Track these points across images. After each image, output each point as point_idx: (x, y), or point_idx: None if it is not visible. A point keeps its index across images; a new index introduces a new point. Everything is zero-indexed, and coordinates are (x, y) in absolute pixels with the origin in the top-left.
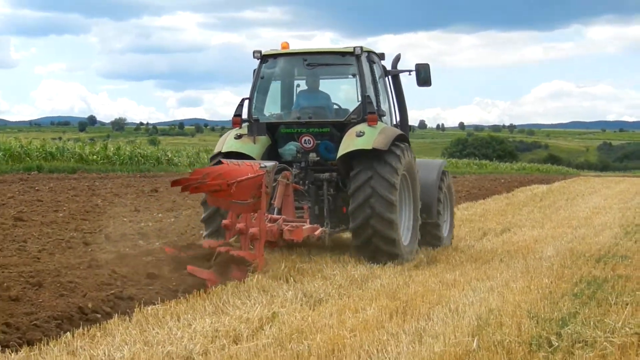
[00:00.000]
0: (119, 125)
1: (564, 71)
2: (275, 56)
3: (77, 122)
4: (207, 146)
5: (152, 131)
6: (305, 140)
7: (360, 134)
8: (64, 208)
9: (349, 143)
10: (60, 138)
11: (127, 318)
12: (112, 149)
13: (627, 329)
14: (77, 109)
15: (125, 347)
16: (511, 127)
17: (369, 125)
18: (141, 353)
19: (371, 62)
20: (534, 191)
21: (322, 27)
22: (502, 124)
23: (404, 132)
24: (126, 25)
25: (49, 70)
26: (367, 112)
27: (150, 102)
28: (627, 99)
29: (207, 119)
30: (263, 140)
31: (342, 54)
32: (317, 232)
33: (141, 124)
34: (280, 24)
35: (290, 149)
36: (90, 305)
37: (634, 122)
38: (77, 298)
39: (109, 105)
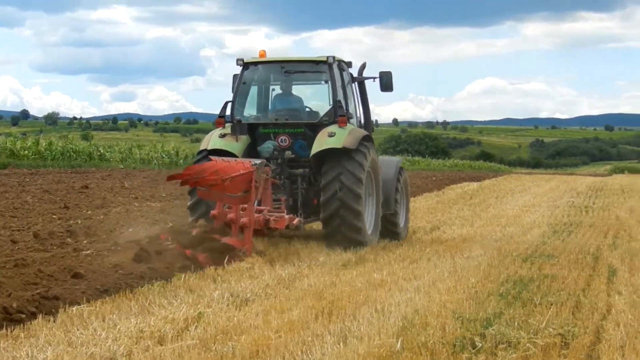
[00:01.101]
0: (52, 119)
1: (498, 68)
2: (255, 64)
3: (9, 116)
4: (140, 141)
5: (86, 126)
6: (281, 139)
7: (331, 135)
8: None
9: (322, 142)
10: None
11: (52, 318)
12: (44, 144)
13: (551, 330)
14: (9, 103)
15: (49, 348)
16: (444, 124)
17: (340, 127)
18: (65, 354)
19: (341, 70)
20: (464, 189)
21: (258, 22)
22: (435, 121)
23: (369, 133)
24: (61, 18)
25: None
26: (338, 115)
27: (84, 97)
28: (559, 96)
29: (140, 113)
30: (244, 139)
31: (316, 62)
32: (294, 222)
33: (74, 118)
34: (216, 19)
35: (267, 147)
36: (14, 305)
37: (565, 119)
38: (2, 298)
39: (43, 99)
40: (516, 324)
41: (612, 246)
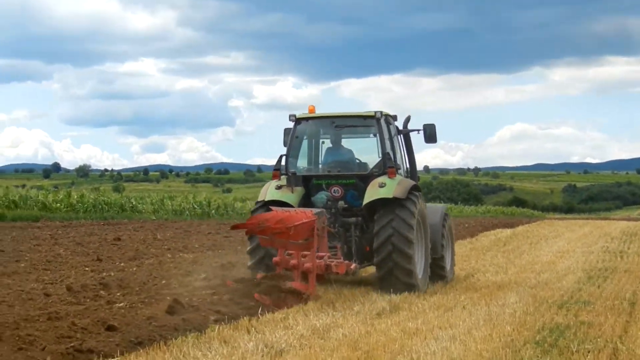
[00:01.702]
0: (83, 172)
1: (527, 113)
2: (307, 119)
3: (41, 169)
4: (171, 192)
5: (117, 177)
6: (334, 190)
7: (382, 185)
8: (26, 258)
9: (373, 192)
10: (24, 186)
11: None
12: (75, 196)
13: None
14: (40, 156)
15: None
16: (476, 170)
17: (389, 178)
18: None
19: (388, 124)
20: (497, 235)
21: (285, 71)
22: (466, 167)
23: (416, 182)
24: (88, 71)
25: (12, 117)
26: (387, 166)
27: (114, 149)
28: (589, 140)
29: (171, 164)
30: (299, 190)
31: (365, 117)
32: (352, 267)
33: (105, 170)
34: (242, 69)
35: (321, 197)
36: (49, 359)
37: (597, 164)
38: (36, 352)
39: (73, 152)
40: None
41: None
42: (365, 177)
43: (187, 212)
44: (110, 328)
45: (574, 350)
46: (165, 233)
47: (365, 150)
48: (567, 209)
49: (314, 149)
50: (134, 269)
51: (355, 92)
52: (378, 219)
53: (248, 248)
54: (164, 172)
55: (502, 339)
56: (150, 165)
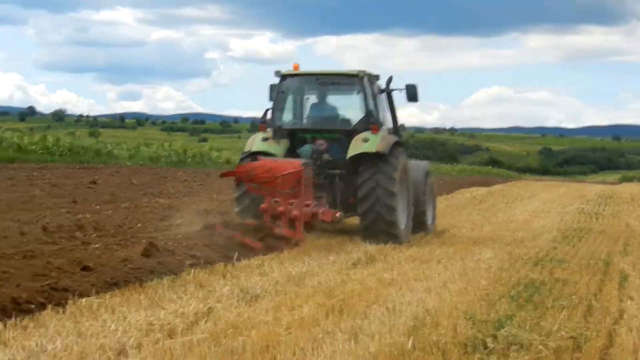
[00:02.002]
0: (59, 116)
1: (503, 77)
2: (292, 75)
3: (16, 112)
4: (147, 140)
5: (93, 123)
6: (319, 143)
7: (365, 140)
8: (1, 198)
9: (357, 147)
10: None
11: (61, 310)
12: (51, 140)
13: (563, 333)
14: (15, 99)
15: (58, 338)
16: (452, 130)
17: (372, 133)
18: (74, 345)
19: (371, 82)
20: (473, 193)
21: (262, 26)
22: (443, 127)
23: (398, 139)
24: (64, 18)
25: None
26: (371, 122)
27: (89, 95)
28: (565, 106)
29: (147, 112)
30: (284, 142)
31: (348, 75)
32: (337, 215)
33: (81, 116)
34: (219, 22)
35: (306, 150)
36: (23, 295)
37: (573, 129)
38: (11, 288)
39: (49, 96)
40: (528, 326)
41: (623, 252)
42: (349, 132)
43: (163, 159)
44: (86, 268)
45: (549, 306)
46: (141, 178)
47: (348, 107)
48: (543, 171)
49: (299, 104)
50: (110, 211)
51: (332, 50)
52: (362, 172)
53: (235, 195)
54: (140, 120)
55: (477, 293)
56: (126, 113)
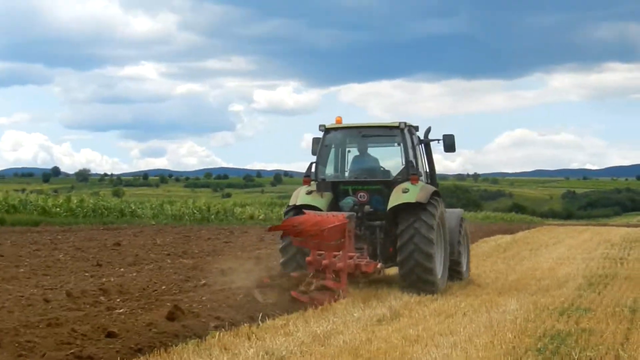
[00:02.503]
0: (83, 176)
1: (527, 120)
2: (335, 129)
3: (41, 174)
4: (170, 197)
5: (117, 182)
6: (360, 195)
7: (405, 191)
8: (25, 263)
9: (398, 197)
10: (24, 190)
11: None
12: (75, 201)
13: None
14: (39, 160)
15: None
16: (475, 176)
17: (412, 184)
18: None
19: (410, 133)
20: (497, 241)
21: (286, 76)
22: (466, 173)
23: (436, 189)
24: (89, 75)
25: (12, 121)
26: (410, 173)
27: (114, 153)
28: (589, 147)
29: (170, 169)
30: (327, 195)
31: (390, 127)
32: (378, 266)
33: (105, 174)
34: (243, 74)
35: (348, 202)
36: None
37: (597, 170)
38: (36, 358)
39: (73, 155)
40: None
41: None
42: (389, 183)
43: (187, 217)
44: (110, 334)
45: (576, 357)
46: (165, 238)
47: (388, 158)
48: (566, 215)
49: (341, 157)
50: (134, 274)
51: (356, 97)
52: (401, 221)
53: (279, 247)
54: (164, 177)
55: (504, 346)
56: (149, 170)
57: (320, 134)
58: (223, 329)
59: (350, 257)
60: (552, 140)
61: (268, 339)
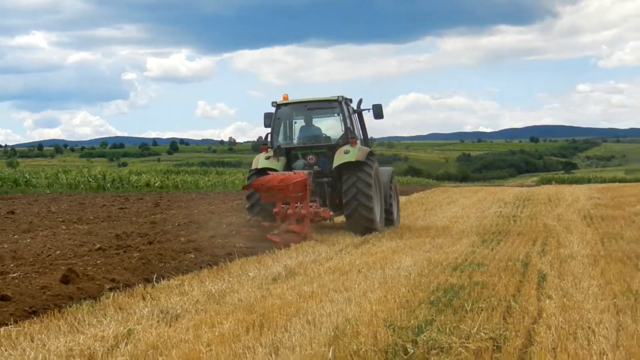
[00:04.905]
0: None
1: (421, 84)
2: (285, 104)
3: None
4: (66, 167)
5: (11, 153)
6: (309, 157)
7: (346, 152)
8: None
9: (340, 157)
10: None
11: None
12: None
13: (482, 334)
14: None
15: None
16: (371, 140)
17: (351, 146)
18: None
19: (347, 105)
20: None
21: (179, 43)
22: None
23: (371, 149)
24: None
25: None
26: (349, 137)
27: (6, 124)
28: (482, 110)
29: (65, 139)
30: (282, 159)
31: (330, 101)
32: (331, 214)
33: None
34: (136, 42)
35: (299, 164)
36: None
37: (490, 133)
38: None
39: None
40: (448, 329)
41: (541, 253)
42: (332, 147)
43: (82, 185)
44: (4, 298)
45: (468, 309)
46: (60, 206)
47: (330, 126)
48: (462, 178)
49: (289, 127)
50: (28, 240)
51: (249, 64)
52: (345, 180)
53: (247, 205)
54: (59, 147)
55: (397, 300)
56: (44, 140)
57: (272, 109)
58: (118, 290)
59: (310, 207)
60: (445, 104)
61: (163, 298)
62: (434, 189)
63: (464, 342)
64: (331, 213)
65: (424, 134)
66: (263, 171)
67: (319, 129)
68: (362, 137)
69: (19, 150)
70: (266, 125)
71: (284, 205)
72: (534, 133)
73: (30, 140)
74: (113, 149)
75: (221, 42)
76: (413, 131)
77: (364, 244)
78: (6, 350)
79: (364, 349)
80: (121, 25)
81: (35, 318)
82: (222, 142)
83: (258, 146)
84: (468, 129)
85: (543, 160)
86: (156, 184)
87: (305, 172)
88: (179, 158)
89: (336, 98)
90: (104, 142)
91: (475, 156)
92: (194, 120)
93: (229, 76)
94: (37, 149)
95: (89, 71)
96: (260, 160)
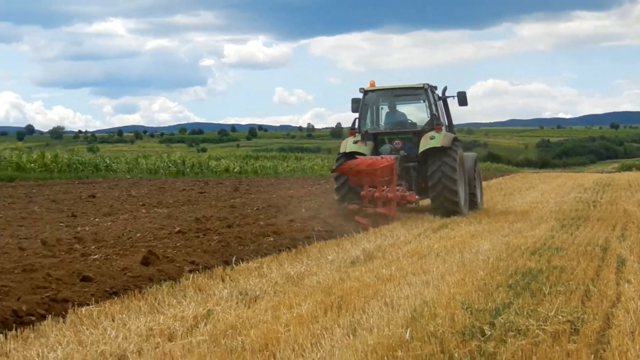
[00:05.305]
0: (57, 133)
1: (498, 70)
2: (372, 91)
3: (14, 132)
4: (146, 152)
5: (92, 139)
6: (395, 142)
7: (432, 138)
8: (0, 215)
9: (426, 143)
10: None
11: (61, 320)
12: (49, 156)
13: (560, 317)
14: (12, 119)
15: (59, 347)
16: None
17: (437, 132)
18: (75, 353)
19: (432, 92)
20: None
21: (255, 30)
22: None
23: (456, 136)
24: (57, 32)
25: None
26: (435, 124)
27: (86, 110)
28: (561, 96)
29: (144, 125)
30: (370, 144)
31: (416, 88)
32: (416, 197)
33: (80, 132)
34: (212, 28)
35: (386, 149)
36: (24, 308)
37: (570, 119)
38: (12, 302)
39: (45, 113)
40: (525, 312)
41: (620, 238)
42: (418, 133)
43: (162, 170)
44: (85, 279)
45: (546, 292)
46: (140, 190)
47: (416, 112)
48: (542, 164)
49: (376, 113)
50: (109, 223)
51: (327, 50)
52: (430, 164)
53: (335, 186)
54: (138, 133)
55: (475, 283)
56: (123, 127)
57: (358, 95)
58: (197, 272)
59: (397, 190)
60: (523, 90)
61: (242, 280)
62: (513, 174)
63: (542, 325)
64: (417, 197)
65: (503, 120)
66: (351, 155)
67: (404, 114)
68: (446, 124)
69: (98, 136)
70: (353, 111)
71: (371, 189)
72: (614, 119)
73: (110, 127)
74: (192, 135)
75: (298, 29)
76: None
77: (442, 228)
78: (87, 330)
79: (441, 331)
80: (198, 12)
81: (116, 298)
82: (300, 128)
83: (337, 132)
84: (547, 115)
85: (624, 147)
86: (235, 169)
87: (392, 156)
88: (258, 144)
89: (422, 85)
90: (182, 128)
91: (555, 142)
92: (272, 106)
93: (306, 62)
94: (117, 135)
95: (166, 58)
96: (348, 145)
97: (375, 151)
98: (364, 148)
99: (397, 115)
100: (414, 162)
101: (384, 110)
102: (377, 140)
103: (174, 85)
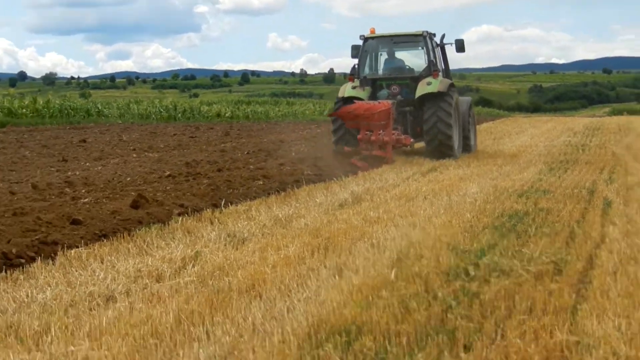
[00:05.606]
0: (49, 79)
1: (492, 15)
2: (372, 38)
3: (6, 78)
4: (138, 98)
5: (84, 85)
6: (393, 88)
7: (429, 83)
8: None
9: (423, 88)
10: None
11: (51, 262)
12: (41, 102)
13: (544, 258)
14: (5, 65)
15: (48, 288)
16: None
17: (434, 78)
18: (64, 294)
19: (430, 39)
20: None
21: None
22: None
23: (452, 81)
24: None
25: None
26: (432, 70)
27: (79, 56)
28: (555, 41)
29: (137, 71)
30: (368, 89)
31: (415, 35)
32: (412, 140)
33: (72, 78)
34: None
35: (383, 93)
36: (14, 250)
37: (563, 64)
38: (1, 244)
39: (39, 60)
40: (510, 253)
41: (607, 181)
42: (415, 78)
43: (154, 115)
44: (75, 222)
45: (531, 234)
46: (131, 135)
47: (414, 59)
48: (533, 109)
49: (375, 59)
50: (99, 168)
51: None
52: (427, 109)
53: (332, 129)
54: (131, 79)
55: (461, 225)
56: (116, 72)
57: (355, 41)
58: (186, 215)
59: (393, 134)
60: (518, 35)
61: (230, 222)
62: (503, 119)
63: (525, 266)
64: (412, 140)
65: (496, 65)
66: (349, 100)
67: (402, 61)
68: (443, 70)
69: (91, 82)
70: (353, 57)
71: (367, 132)
72: (608, 64)
73: (103, 73)
74: (184, 81)
75: None
76: (485, 63)
77: (431, 172)
78: (76, 271)
79: (425, 271)
80: None
81: (105, 241)
82: (293, 73)
83: (330, 77)
84: (540, 60)
85: (616, 92)
86: (227, 114)
87: (389, 101)
88: (250, 89)
89: (421, 33)
90: (175, 74)
91: (547, 87)
92: (266, 52)
93: (300, 8)
94: (110, 81)
95: (160, 4)
96: (347, 90)
97: (373, 96)
98: (362, 93)
99: (395, 61)
100: (410, 107)
101: (383, 56)
102: (375, 85)
103: (167, 31)
